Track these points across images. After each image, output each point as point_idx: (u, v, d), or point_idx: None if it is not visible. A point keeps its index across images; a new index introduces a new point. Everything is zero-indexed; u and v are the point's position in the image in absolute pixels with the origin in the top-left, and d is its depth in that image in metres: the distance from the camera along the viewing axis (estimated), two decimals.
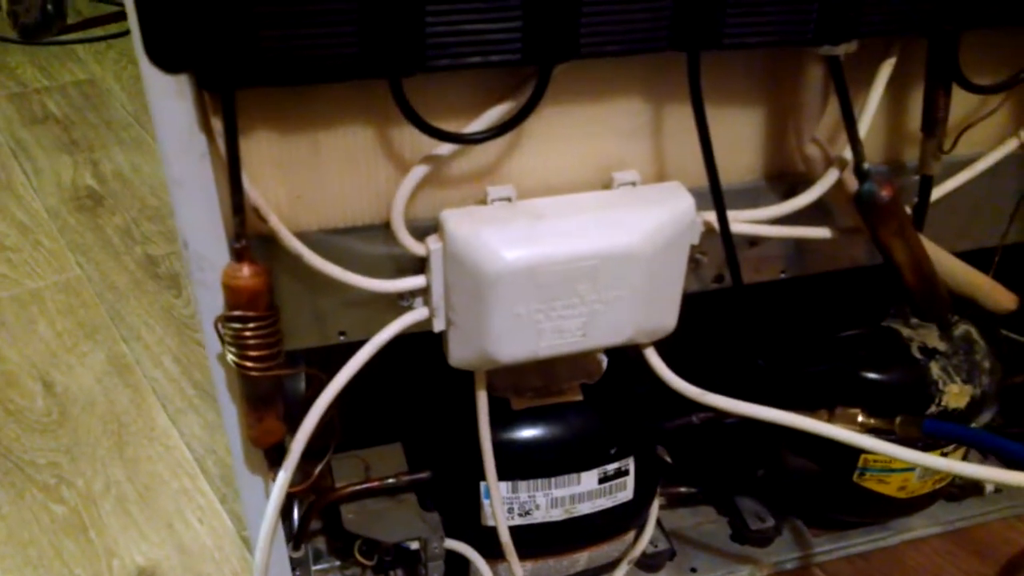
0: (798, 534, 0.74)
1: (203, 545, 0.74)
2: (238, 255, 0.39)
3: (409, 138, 0.42)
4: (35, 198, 1.25)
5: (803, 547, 0.73)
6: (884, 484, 0.66)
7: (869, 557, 0.74)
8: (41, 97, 1.56)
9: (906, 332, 0.64)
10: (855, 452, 0.64)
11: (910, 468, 0.65)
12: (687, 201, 0.44)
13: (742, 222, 0.46)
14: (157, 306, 1.02)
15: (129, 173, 1.31)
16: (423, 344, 0.55)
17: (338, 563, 0.69)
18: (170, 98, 0.37)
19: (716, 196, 0.44)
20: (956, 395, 0.62)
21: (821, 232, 0.48)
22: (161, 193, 1.25)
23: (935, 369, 0.62)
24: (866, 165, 0.44)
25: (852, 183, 0.46)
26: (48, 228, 1.18)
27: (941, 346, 0.63)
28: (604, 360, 0.61)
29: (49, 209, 1.22)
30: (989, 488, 0.78)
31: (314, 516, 0.65)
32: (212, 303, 0.42)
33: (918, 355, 0.63)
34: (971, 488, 0.78)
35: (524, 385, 0.58)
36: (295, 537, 0.59)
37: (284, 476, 0.45)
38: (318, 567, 0.70)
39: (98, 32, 1.76)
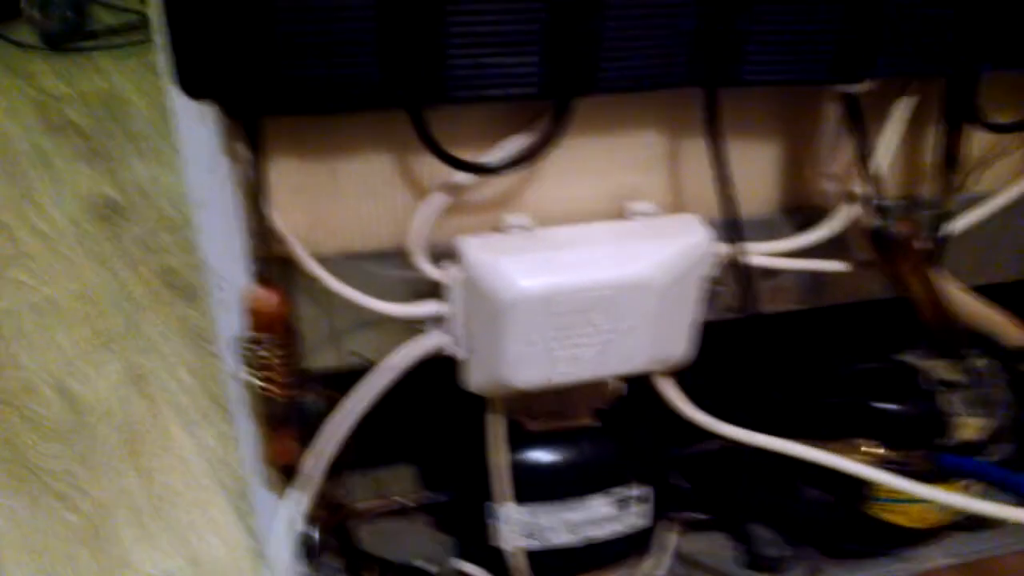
0: (811, 563, 0.74)
1: (216, 558, 0.74)
2: (260, 279, 0.39)
3: (428, 166, 0.42)
4: (55, 207, 1.26)
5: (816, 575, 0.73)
6: (898, 515, 0.66)
7: None
8: (61, 105, 1.58)
9: (922, 365, 0.63)
10: (868, 482, 0.64)
11: (925, 500, 0.65)
12: (702, 233, 0.44)
13: (758, 255, 0.46)
14: (173, 317, 1.03)
15: (147, 184, 1.32)
16: (438, 366, 0.55)
17: None
18: (196, 123, 0.38)
19: (733, 230, 0.44)
20: (972, 428, 0.62)
21: (837, 266, 0.48)
22: (179, 204, 1.26)
23: (951, 402, 0.62)
24: (883, 201, 0.44)
25: (868, 218, 0.46)
26: (67, 237, 1.19)
27: (957, 379, 0.63)
28: (623, 385, 0.61)
29: (68, 218, 1.23)
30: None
31: (327, 534, 0.66)
32: (230, 322, 0.43)
33: (934, 388, 0.62)
34: (985, 519, 0.77)
35: (538, 408, 0.59)
36: (308, 554, 0.59)
37: (300, 497, 0.45)
38: None
39: (119, 40, 1.78)
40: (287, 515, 0.46)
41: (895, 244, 0.44)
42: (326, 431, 0.45)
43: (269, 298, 0.39)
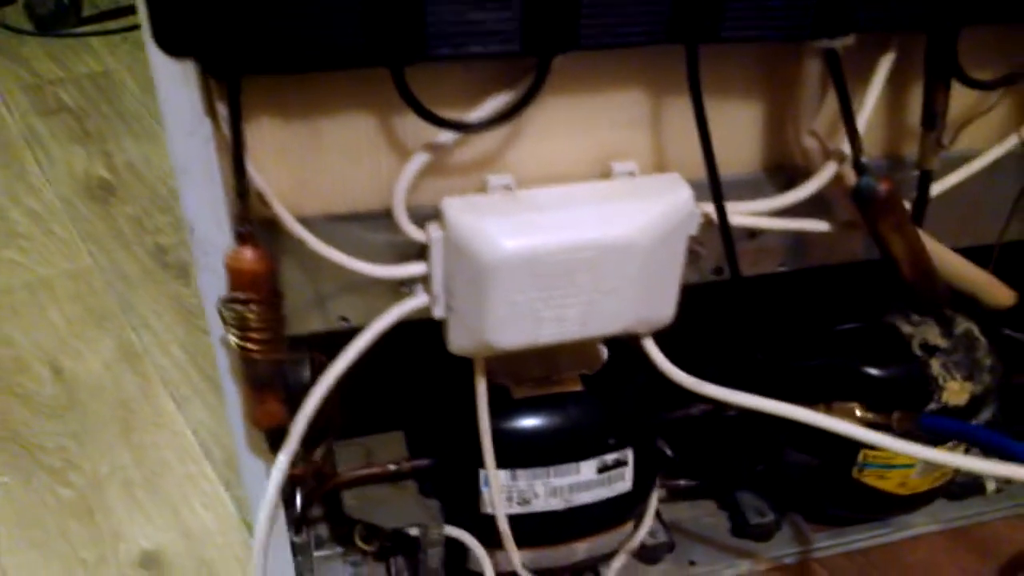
0: (798, 529, 0.74)
1: (207, 530, 0.75)
2: (242, 239, 0.40)
3: (411, 126, 0.42)
4: (48, 187, 1.26)
5: (803, 542, 0.73)
6: (884, 480, 0.66)
7: (869, 553, 0.74)
8: (55, 88, 1.58)
9: (906, 328, 0.64)
10: (854, 447, 0.64)
11: (910, 465, 0.66)
12: (685, 192, 0.44)
13: (740, 214, 0.47)
14: (166, 295, 1.03)
15: (141, 164, 1.32)
16: (425, 332, 0.56)
17: (340, 550, 0.70)
18: (176, 84, 0.38)
19: (715, 189, 0.44)
20: (956, 392, 0.62)
21: (820, 225, 0.49)
22: (172, 184, 1.26)
23: (935, 366, 0.62)
24: (864, 159, 0.44)
25: (850, 177, 0.46)
26: (60, 217, 1.19)
27: (942, 343, 0.63)
28: (605, 351, 0.61)
29: (61, 198, 1.23)
30: (991, 487, 0.78)
31: (316, 501, 0.66)
32: (216, 287, 0.43)
33: (918, 351, 0.63)
34: (972, 487, 0.78)
35: (524, 374, 0.59)
36: (296, 522, 0.59)
37: (284, 459, 0.45)
38: (320, 553, 0.70)
39: (113, 25, 1.77)
40: (272, 480, 0.46)
41: (876, 202, 0.45)
42: (311, 392, 0.45)
43: (249, 255, 0.39)
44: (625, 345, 0.63)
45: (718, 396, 0.48)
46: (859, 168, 0.44)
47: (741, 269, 0.48)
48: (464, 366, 0.52)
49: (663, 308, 0.47)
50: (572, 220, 0.43)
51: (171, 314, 1.01)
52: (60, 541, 0.73)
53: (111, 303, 1.02)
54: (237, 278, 0.40)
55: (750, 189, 0.48)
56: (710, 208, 0.46)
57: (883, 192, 0.44)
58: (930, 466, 0.66)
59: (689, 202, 0.44)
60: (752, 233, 0.51)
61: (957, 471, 0.70)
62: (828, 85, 0.45)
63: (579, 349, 0.61)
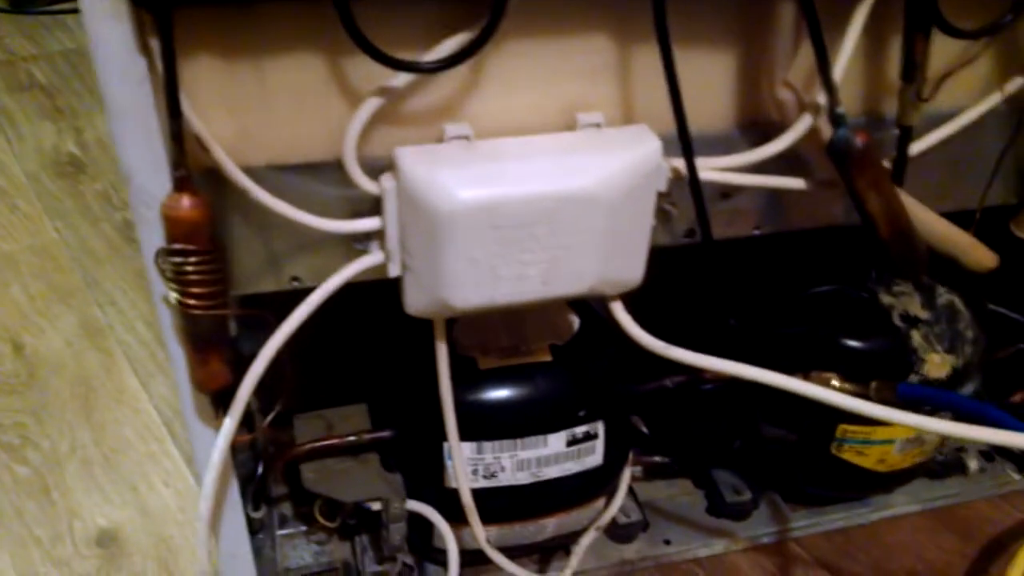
0: (775, 508, 0.73)
1: (167, 507, 0.72)
2: (178, 185, 0.37)
3: (363, 69, 0.40)
4: (14, 163, 1.23)
5: (780, 522, 0.72)
6: (862, 456, 0.65)
7: (847, 533, 0.72)
8: (28, 65, 1.54)
9: (887, 299, 0.62)
10: (832, 422, 0.63)
11: (889, 440, 0.64)
12: (653, 144, 0.42)
13: (711, 169, 0.45)
14: (132, 271, 1.01)
15: (111, 141, 1.29)
16: (388, 299, 0.53)
17: (303, 528, 0.68)
18: (107, 19, 0.36)
19: (684, 140, 0.42)
20: (937, 365, 0.60)
21: (795, 183, 0.47)
22: None
23: (916, 337, 0.61)
24: (840, 109, 0.42)
25: (826, 130, 0.44)
26: (26, 192, 1.16)
27: (923, 314, 0.62)
28: (575, 320, 0.59)
29: (28, 174, 1.20)
30: (972, 466, 0.76)
31: (275, 474, 0.64)
32: (156, 239, 0.40)
33: (899, 322, 0.61)
34: (953, 466, 0.76)
35: (492, 344, 0.57)
36: (254, 496, 0.57)
37: (229, 422, 0.43)
38: (282, 532, 0.68)
39: None
40: (218, 444, 0.44)
41: (852, 155, 0.43)
42: (259, 354, 0.43)
43: (186, 203, 0.37)
44: (596, 315, 0.61)
45: (687, 360, 0.45)
46: (835, 119, 0.42)
47: (714, 232, 0.46)
48: (427, 332, 0.49)
49: (631, 268, 0.45)
50: (532, 171, 0.40)
51: (137, 291, 0.98)
52: (14, 519, 0.71)
53: (76, 279, 0.99)
54: (174, 228, 0.38)
55: (722, 146, 0.46)
56: (680, 163, 0.44)
57: (859, 145, 0.42)
58: (910, 443, 0.65)
59: (656, 154, 0.42)
60: (725, 193, 0.48)
61: (938, 448, 0.69)
62: (803, 35, 0.43)
63: (548, 318, 0.59)
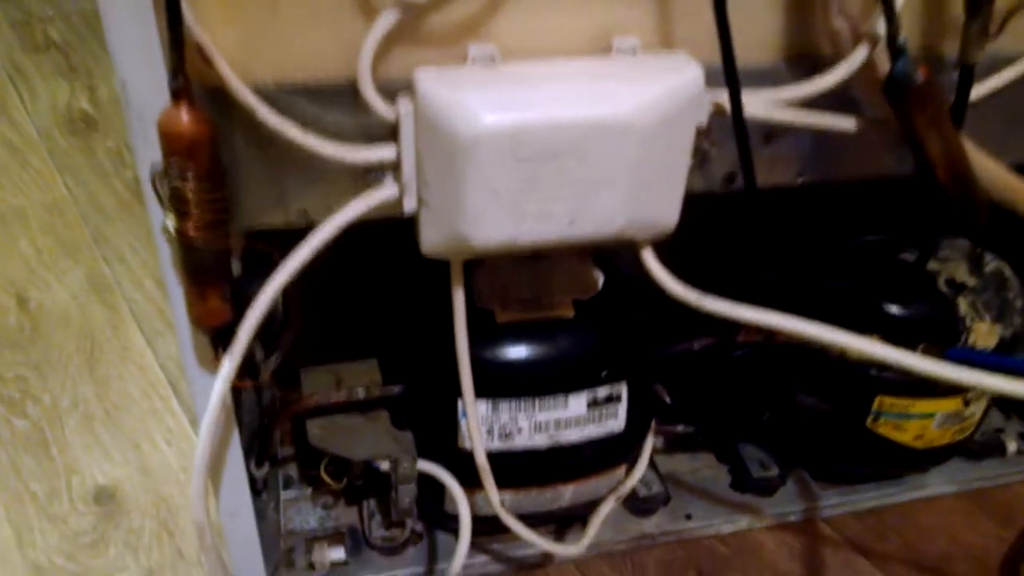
0: (803, 485, 0.69)
1: (168, 466, 0.70)
2: (176, 95, 0.34)
3: None
4: (27, 120, 1.20)
5: (808, 499, 0.68)
6: (900, 431, 0.61)
7: (879, 513, 0.69)
8: (44, 26, 1.52)
9: (933, 264, 0.58)
10: (870, 394, 0.59)
11: (929, 415, 0.60)
12: (694, 71, 0.38)
13: (757, 104, 0.41)
14: (143, 229, 0.98)
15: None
16: (400, 244, 0.50)
17: (309, 490, 0.66)
18: None
19: (729, 69, 0.38)
20: (985, 334, 0.57)
21: (845, 123, 0.43)
22: None
23: (963, 305, 0.57)
24: (902, 40, 0.39)
25: (883, 64, 0.40)
26: (38, 149, 1.13)
27: (970, 281, 0.58)
28: (599, 276, 0.56)
29: (41, 131, 1.18)
30: (1011, 448, 0.73)
31: (281, 432, 0.61)
32: (153, 160, 0.37)
33: (945, 289, 0.57)
34: (992, 447, 0.72)
35: (511, 296, 0.54)
36: (257, 451, 0.54)
37: (229, 364, 0.40)
38: (288, 494, 0.66)
39: None
40: (217, 387, 0.41)
41: (912, 90, 0.39)
42: (261, 291, 0.40)
43: (185, 116, 0.34)
44: (622, 273, 0.58)
45: (722, 312, 0.42)
46: (895, 50, 0.39)
47: (755, 173, 0.42)
48: (442, 280, 0.46)
49: (665, 211, 0.42)
50: (562, 96, 0.37)
51: (147, 248, 0.95)
52: (10, 473, 0.69)
53: (84, 235, 0.97)
54: (172, 143, 0.35)
55: (768, 79, 0.42)
56: (722, 98, 0.40)
57: (920, 79, 0.39)
58: (950, 418, 0.61)
59: (698, 82, 0.38)
60: (768, 136, 0.45)
61: (977, 427, 0.65)
62: None
63: (572, 271, 0.56)
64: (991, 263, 0.59)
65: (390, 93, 0.39)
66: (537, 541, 0.56)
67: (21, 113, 1.23)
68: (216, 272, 0.38)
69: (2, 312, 0.85)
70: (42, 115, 1.22)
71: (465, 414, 0.51)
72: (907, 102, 0.39)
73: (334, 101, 0.39)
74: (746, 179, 0.42)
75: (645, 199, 0.40)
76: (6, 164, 1.11)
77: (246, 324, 0.39)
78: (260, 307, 0.39)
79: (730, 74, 0.38)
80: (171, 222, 0.37)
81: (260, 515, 0.55)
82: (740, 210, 0.45)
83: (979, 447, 0.72)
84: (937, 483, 0.70)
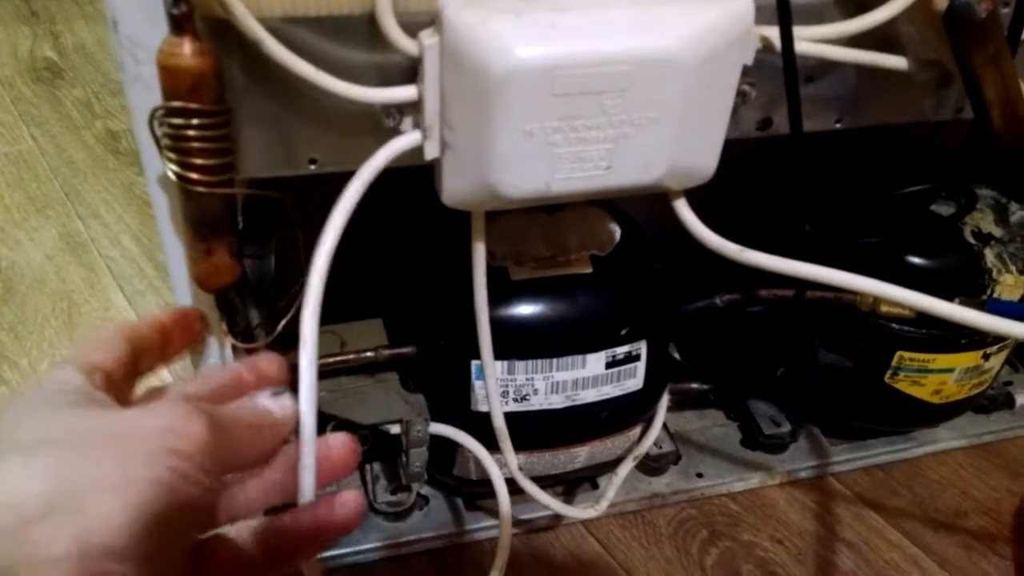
0: (814, 442, 0.68)
1: None
2: (178, 25, 0.30)
3: None
4: None
5: (819, 455, 0.67)
6: (918, 387, 0.60)
7: (889, 469, 0.68)
8: None
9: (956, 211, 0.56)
10: (891, 349, 0.57)
11: (948, 369, 0.59)
12: (744, 4, 0.35)
13: (805, 40, 0.38)
14: (118, 183, 0.93)
15: (92, 46, 1.20)
16: (411, 200, 0.47)
17: None
18: None
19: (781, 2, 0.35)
20: (1011, 286, 0.55)
21: (895, 61, 0.40)
22: None
23: (990, 256, 0.55)
24: None
25: None
26: (1, 99, 1.07)
27: (997, 231, 0.56)
28: (616, 230, 0.53)
29: (3, 80, 1.11)
30: (1020, 401, 0.72)
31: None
32: (151, 104, 0.33)
33: (971, 240, 0.55)
34: (1002, 400, 0.72)
35: (527, 253, 0.51)
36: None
37: (307, 362, 0.33)
38: None
39: None
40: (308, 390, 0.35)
41: (973, 25, 0.36)
42: (312, 264, 0.35)
43: (188, 49, 0.30)
44: (638, 227, 0.55)
45: (766, 265, 0.39)
46: None
47: (800, 118, 0.39)
48: (454, 236, 0.43)
49: (704, 156, 0.39)
50: (603, 26, 0.34)
51: (123, 203, 0.91)
52: None
53: (55, 190, 0.92)
54: (173, 80, 0.31)
55: (814, 15, 0.39)
56: (768, 31, 0.37)
57: (983, 12, 0.36)
58: (969, 372, 0.60)
59: (747, 16, 0.35)
60: (810, 75, 0.42)
61: (993, 379, 0.64)
62: None
63: (588, 225, 0.53)
64: (1016, 213, 0.57)
65: (410, 28, 0.35)
66: (553, 504, 0.54)
67: None
68: (223, 224, 0.35)
69: None
70: (3, 63, 1.16)
71: (481, 376, 0.49)
72: (967, 38, 0.37)
73: (349, 36, 0.36)
74: (793, 126, 0.39)
75: (687, 143, 0.37)
76: None
77: (309, 305, 0.34)
78: (316, 283, 0.34)
79: (783, 6, 0.35)
80: (173, 168, 0.33)
81: None
82: (775, 159, 0.42)
83: (988, 401, 0.71)
84: (947, 438, 0.70)
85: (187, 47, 0.30)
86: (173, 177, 0.33)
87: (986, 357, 0.59)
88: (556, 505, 0.54)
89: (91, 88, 1.10)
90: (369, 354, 0.50)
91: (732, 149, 0.40)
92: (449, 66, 0.34)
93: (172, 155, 0.33)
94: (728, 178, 0.42)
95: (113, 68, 1.14)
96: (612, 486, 0.58)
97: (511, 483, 0.53)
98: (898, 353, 0.57)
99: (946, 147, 0.61)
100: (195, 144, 0.32)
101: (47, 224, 0.87)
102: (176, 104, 0.31)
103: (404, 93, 0.36)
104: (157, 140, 0.33)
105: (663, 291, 0.54)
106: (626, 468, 0.58)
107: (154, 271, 0.82)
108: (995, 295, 0.55)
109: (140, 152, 0.36)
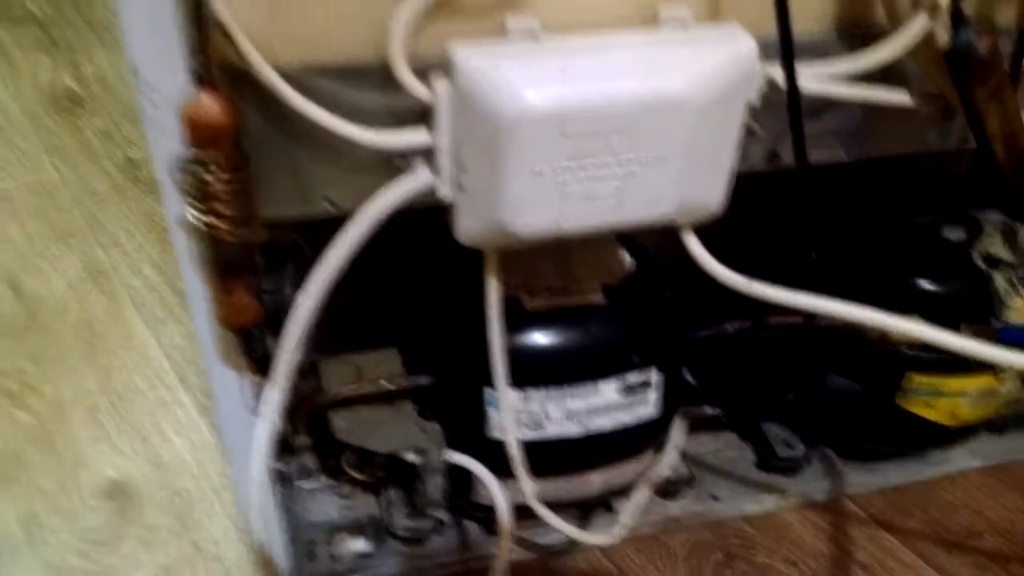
0: (828, 464, 0.68)
1: (180, 459, 0.67)
2: (200, 81, 0.32)
3: None
4: (10, 98, 1.16)
5: (833, 477, 0.67)
6: (930, 409, 0.60)
7: (904, 490, 0.68)
8: None
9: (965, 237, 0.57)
10: (901, 373, 0.58)
11: (962, 392, 0.59)
12: (748, 45, 0.36)
13: (809, 78, 0.39)
14: (138, 211, 0.95)
15: (112, 76, 1.22)
16: (423, 232, 0.48)
17: (327, 481, 0.64)
18: None
19: (785, 42, 0.36)
20: (1020, 310, 0.55)
21: (899, 97, 0.41)
22: None
23: (999, 280, 0.55)
24: (964, 10, 0.36)
25: (942, 35, 0.38)
26: (23, 128, 1.09)
27: (1006, 256, 0.56)
28: (627, 259, 0.54)
29: (25, 110, 1.14)
30: None
31: (301, 423, 0.59)
32: (168, 148, 0.35)
33: (981, 264, 0.56)
34: (1016, 420, 0.71)
35: (539, 284, 0.52)
36: (278, 447, 0.52)
37: (276, 395, 0.37)
38: (305, 484, 0.64)
39: None
40: (261, 428, 0.38)
41: (974, 63, 0.37)
42: (299, 298, 0.37)
43: (209, 102, 0.31)
44: (649, 255, 0.56)
45: (774, 298, 0.40)
46: (957, 20, 0.36)
47: (806, 152, 0.40)
48: (469, 268, 0.44)
49: (712, 192, 0.40)
50: (611, 69, 0.35)
51: (143, 232, 0.92)
52: (16, 469, 0.66)
53: (77, 219, 0.94)
54: (195, 132, 0.32)
55: (818, 52, 0.40)
56: (773, 71, 0.38)
57: (984, 50, 0.37)
58: (984, 395, 0.60)
59: (752, 57, 0.36)
60: (815, 110, 0.43)
61: (1011, 401, 0.64)
62: None
63: (599, 255, 0.54)
64: None
65: (422, 72, 0.37)
66: (568, 530, 0.55)
67: (2, 91, 1.19)
68: (243, 266, 0.36)
69: None
70: (25, 93, 1.18)
71: (495, 404, 0.50)
72: (969, 74, 0.37)
73: (362, 81, 0.37)
74: (799, 160, 0.40)
75: (695, 180, 0.38)
76: None
77: (286, 343, 0.36)
78: (300, 319, 0.37)
79: (786, 48, 0.36)
80: (195, 215, 0.34)
81: (281, 508, 0.53)
82: (783, 190, 0.43)
83: (1002, 421, 0.71)
84: (960, 459, 0.70)
85: (210, 103, 0.32)
86: (195, 222, 0.34)
87: (1000, 379, 0.60)
88: (572, 531, 0.55)
89: (111, 117, 1.12)
90: (386, 384, 0.51)
91: (740, 180, 0.41)
92: (461, 111, 0.35)
93: (193, 202, 0.34)
94: (736, 207, 0.43)
95: (132, 97, 1.16)
96: (627, 511, 0.59)
97: (527, 509, 0.53)
98: (909, 375, 0.58)
99: (953, 172, 0.61)
100: (216, 192, 0.33)
101: (69, 253, 0.89)
102: (197, 154, 0.32)
103: (416, 137, 0.37)
104: (181, 186, 0.34)
105: (674, 319, 0.54)
106: (641, 494, 0.59)
107: (175, 299, 0.83)
108: (1005, 319, 0.55)
109: (161, 193, 0.37)
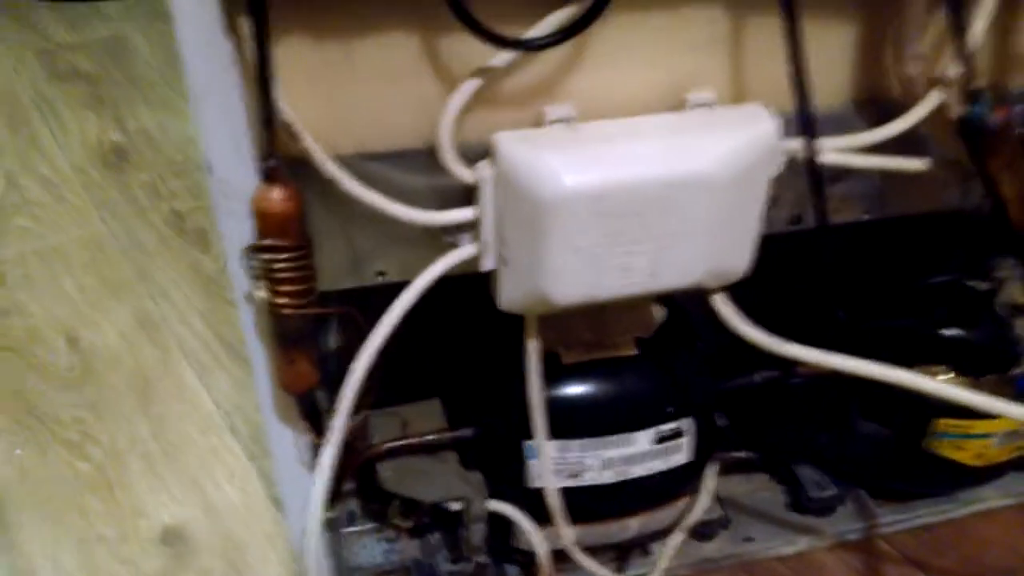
0: (861, 504, 0.69)
1: (232, 505, 0.70)
2: (269, 176, 0.35)
3: (458, 48, 0.37)
4: (59, 154, 1.22)
5: (866, 518, 0.69)
6: (960, 451, 0.61)
7: (935, 529, 0.69)
8: (67, 54, 1.53)
9: (986, 287, 0.58)
10: (928, 417, 0.59)
11: (989, 434, 0.60)
12: (769, 125, 0.39)
13: (830, 151, 0.41)
14: (184, 263, 0.99)
15: (155, 131, 1.27)
16: (467, 290, 0.51)
17: (372, 525, 0.66)
18: None
19: (805, 120, 0.39)
20: None
21: (916, 164, 0.43)
22: (188, 150, 1.22)
23: (1021, 327, 0.57)
24: (977, 84, 0.39)
25: (954, 107, 0.41)
26: (72, 184, 1.15)
27: None
28: (660, 311, 0.56)
29: (73, 165, 1.19)
30: None
31: (350, 474, 0.62)
32: (239, 234, 0.38)
33: (1001, 311, 0.57)
34: None
35: (574, 338, 0.54)
36: (329, 496, 0.55)
37: (329, 456, 0.40)
38: (351, 529, 0.66)
39: None
40: (318, 485, 0.41)
41: (987, 134, 0.39)
42: (356, 359, 0.40)
43: (277, 195, 0.35)
44: (680, 307, 0.58)
45: (804, 357, 0.42)
46: (970, 94, 0.39)
47: (827, 217, 0.42)
48: (509, 327, 0.47)
49: (738, 258, 0.42)
50: (642, 153, 0.37)
51: (190, 283, 0.96)
52: (77, 517, 0.70)
53: (126, 272, 0.98)
54: (265, 222, 0.35)
55: (837, 124, 0.43)
56: (793, 145, 0.40)
57: (996, 123, 0.39)
58: (1010, 436, 0.61)
59: (773, 136, 0.39)
60: (835, 176, 0.45)
61: None
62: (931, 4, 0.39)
63: (633, 310, 0.56)
64: None
65: (466, 156, 0.40)
66: (605, 574, 0.57)
67: (51, 145, 1.24)
68: (305, 338, 0.39)
69: (54, 352, 0.86)
70: (73, 149, 1.23)
71: (535, 455, 0.52)
72: (982, 145, 0.40)
73: (411, 166, 0.40)
74: (819, 224, 0.42)
75: (722, 248, 0.41)
76: (42, 200, 1.12)
77: (341, 407, 0.40)
78: (355, 383, 0.40)
79: (807, 125, 0.38)
80: (262, 294, 0.37)
81: (329, 553, 0.56)
82: (807, 250, 0.45)
83: None
84: (992, 496, 0.71)
85: (277, 194, 0.35)
86: (263, 300, 0.37)
87: None
88: (609, 575, 0.57)
89: (156, 171, 1.16)
90: (431, 437, 0.54)
91: (765, 240, 0.44)
92: (504, 193, 0.38)
93: (263, 283, 0.37)
94: (763, 266, 0.45)
95: (176, 152, 1.21)
96: (663, 554, 0.60)
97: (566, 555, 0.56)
98: (937, 420, 0.59)
99: (975, 215, 0.63)
100: (282, 274, 0.36)
101: (120, 305, 0.93)
102: (267, 242, 0.35)
103: (462, 215, 0.40)
104: (249, 269, 0.37)
105: (706, 368, 0.57)
106: (676, 537, 0.61)
107: (222, 348, 0.87)
108: None
109: (230, 274, 0.41)
